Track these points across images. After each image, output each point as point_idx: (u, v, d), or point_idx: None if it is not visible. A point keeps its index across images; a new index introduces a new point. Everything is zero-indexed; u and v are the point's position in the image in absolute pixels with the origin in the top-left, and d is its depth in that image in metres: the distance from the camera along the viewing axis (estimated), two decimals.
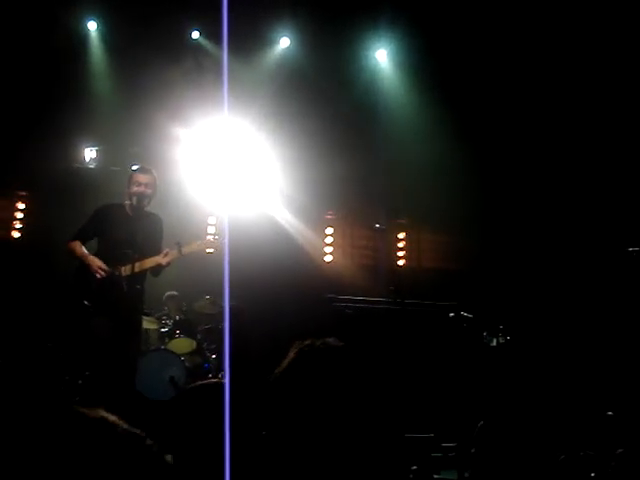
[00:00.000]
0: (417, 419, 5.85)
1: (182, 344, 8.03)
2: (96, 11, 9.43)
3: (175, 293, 8.29)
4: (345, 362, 1.75)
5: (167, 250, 5.87)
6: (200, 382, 2.34)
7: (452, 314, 6.62)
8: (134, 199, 5.85)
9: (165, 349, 7.79)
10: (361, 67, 9.83)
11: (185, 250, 5.91)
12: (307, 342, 1.80)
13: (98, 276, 5.76)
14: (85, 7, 9.37)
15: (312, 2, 9.35)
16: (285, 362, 1.78)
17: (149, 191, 5.88)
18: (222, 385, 2.15)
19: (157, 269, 5.91)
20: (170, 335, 8.11)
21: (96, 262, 5.79)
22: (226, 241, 5.86)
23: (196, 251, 6.01)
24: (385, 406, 1.78)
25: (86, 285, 5.81)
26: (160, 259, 5.82)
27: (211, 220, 9.43)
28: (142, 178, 5.90)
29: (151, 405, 7.19)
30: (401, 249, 10.06)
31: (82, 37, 9.53)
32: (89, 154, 9.18)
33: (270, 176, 9.10)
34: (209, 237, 6.81)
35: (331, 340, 1.82)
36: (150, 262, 5.83)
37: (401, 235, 10.07)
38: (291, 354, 1.79)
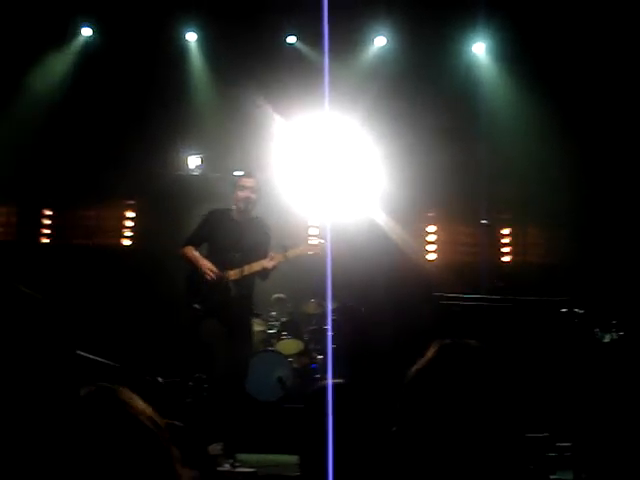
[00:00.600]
0: (531, 418, 5.72)
1: (289, 345, 8.14)
2: (195, 22, 9.67)
3: (282, 296, 8.41)
4: (486, 362, 1.74)
5: (272, 254, 5.94)
6: (325, 382, 2.35)
7: (564, 310, 6.44)
8: (240, 204, 5.96)
9: (273, 350, 7.91)
10: (459, 62, 9.69)
11: (290, 254, 5.96)
12: (448, 341, 1.80)
13: (207, 277, 5.89)
14: (184, 19, 9.62)
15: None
16: (424, 360, 1.77)
17: (254, 195, 5.98)
18: (349, 385, 2.15)
19: (264, 273, 5.99)
20: (277, 336, 8.24)
21: (206, 264, 5.93)
22: (328, 244, 5.88)
23: (301, 255, 6.04)
24: (515, 406, 1.76)
25: (196, 289, 5.96)
26: (266, 263, 5.89)
27: (313, 223, 9.51)
28: (247, 182, 6.00)
29: (260, 406, 7.32)
30: (506, 244, 9.87)
31: (182, 48, 9.79)
32: (193, 161, 9.41)
33: (370, 175, 9.09)
34: (312, 240, 6.86)
35: (471, 342, 1.82)
36: (256, 266, 5.91)
37: (505, 231, 9.87)
38: (430, 352, 1.79)
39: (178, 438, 1.25)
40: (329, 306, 6.70)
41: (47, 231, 10.10)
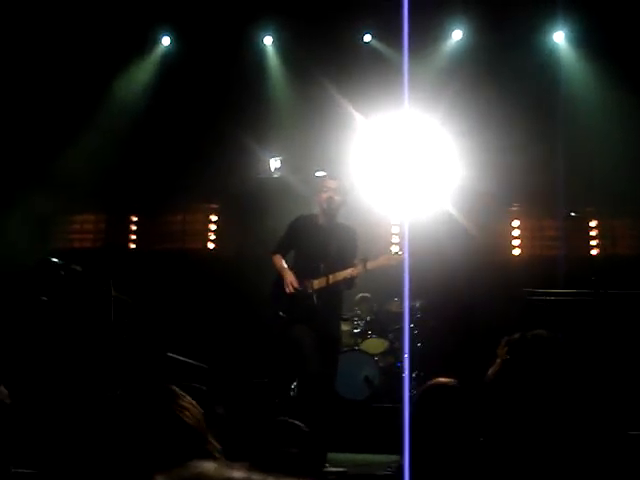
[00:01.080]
0: (629, 415, 5.55)
1: (375, 344, 8.13)
2: (271, 26, 9.77)
3: (367, 295, 8.40)
4: (560, 352, 1.67)
5: (355, 263, 5.89)
6: (434, 382, 2.33)
7: None
8: (324, 205, 5.94)
9: (359, 349, 7.92)
10: (539, 52, 9.48)
11: (370, 265, 5.86)
12: (516, 336, 1.74)
13: (287, 291, 5.91)
14: (260, 24, 9.73)
15: None
16: (498, 361, 1.73)
17: (338, 197, 5.94)
18: (457, 387, 2.13)
19: (349, 283, 5.96)
20: (362, 336, 8.24)
21: (288, 277, 5.94)
22: (406, 249, 5.81)
23: (381, 266, 5.92)
24: (605, 402, 1.69)
25: (282, 297, 5.98)
26: (348, 273, 5.85)
27: (394, 230, 9.47)
28: (330, 184, 5.98)
29: (347, 405, 7.33)
30: (594, 237, 9.60)
31: (259, 52, 9.90)
32: (273, 164, 9.49)
33: (450, 172, 8.99)
34: (393, 250, 6.72)
35: (542, 331, 1.75)
36: (340, 275, 5.87)
37: (592, 223, 9.60)
38: (501, 351, 1.74)
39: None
40: (406, 308, 6.60)
41: (134, 237, 10.36)
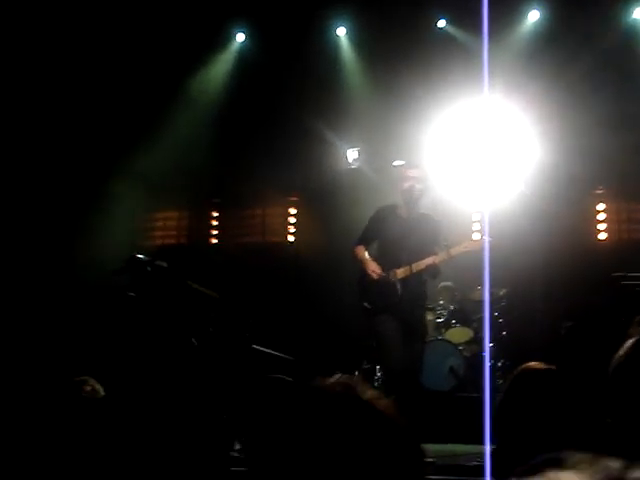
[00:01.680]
0: None
1: (459, 333, 8.05)
2: (343, 16, 9.74)
3: (449, 284, 8.31)
4: None
5: (438, 251, 5.85)
6: (525, 367, 2.27)
7: None
8: (406, 195, 5.91)
9: (443, 339, 7.85)
10: (620, 31, 9.15)
11: (453, 252, 5.81)
12: None
13: (372, 278, 5.90)
14: (333, 14, 9.72)
15: None
16: (631, 342, 1.66)
17: (419, 185, 5.90)
18: (552, 370, 2.07)
19: (432, 271, 5.91)
20: (446, 325, 8.16)
21: (371, 265, 5.94)
22: (487, 236, 5.70)
23: (464, 252, 5.87)
24: None
25: (366, 288, 5.98)
26: (430, 261, 5.81)
27: (475, 217, 9.32)
28: (410, 172, 5.94)
29: (432, 396, 7.27)
30: None
31: (333, 43, 9.89)
32: (351, 155, 9.48)
33: (532, 156, 8.77)
34: (476, 235, 6.61)
35: None
36: (423, 264, 5.83)
37: None
38: (635, 330, 1.68)
39: None
40: (486, 296, 6.50)
41: (215, 232, 10.52)
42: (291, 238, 10.29)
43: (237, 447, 5.42)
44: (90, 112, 9.34)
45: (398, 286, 5.84)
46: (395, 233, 5.89)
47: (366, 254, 6.08)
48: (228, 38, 10.04)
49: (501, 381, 7.65)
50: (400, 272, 5.85)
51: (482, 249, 5.68)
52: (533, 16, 9.42)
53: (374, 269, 5.90)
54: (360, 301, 6.03)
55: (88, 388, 2.49)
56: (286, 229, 10.27)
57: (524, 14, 9.43)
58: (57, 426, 1.51)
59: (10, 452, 1.45)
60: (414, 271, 5.82)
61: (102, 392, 2.59)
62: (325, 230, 9.57)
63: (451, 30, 9.60)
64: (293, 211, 10.31)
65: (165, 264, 6.43)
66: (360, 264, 6.06)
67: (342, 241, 7.49)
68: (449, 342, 7.81)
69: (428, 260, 5.82)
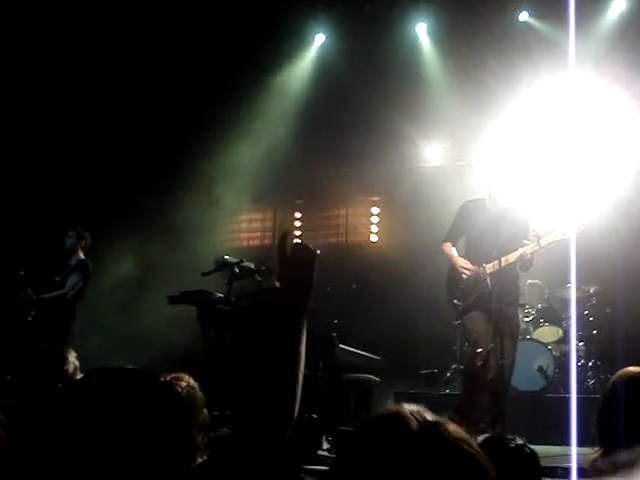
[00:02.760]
0: None
1: (547, 332, 7.88)
2: (423, 13, 9.68)
3: (537, 282, 8.14)
4: None
5: (526, 242, 5.70)
6: (628, 372, 2.22)
7: None
8: (491, 189, 5.82)
9: (531, 339, 7.70)
10: None
11: (544, 242, 5.65)
12: None
13: (464, 276, 5.83)
14: (413, 12, 9.66)
15: None
16: None
17: (504, 180, 5.81)
18: None
19: (525, 263, 5.76)
20: (534, 324, 8.01)
21: (460, 262, 5.89)
22: (577, 224, 5.56)
23: (555, 241, 5.70)
24: None
25: (455, 285, 5.92)
26: (521, 252, 5.67)
27: (565, 208, 9.07)
28: (495, 167, 5.87)
29: (521, 396, 7.14)
30: None
31: (414, 41, 9.83)
32: (435, 152, 9.41)
33: (626, 148, 8.47)
34: (566, 224, 6.36)
35: None
36: (512, 257, 5.69)
37: None
38: None
39: None
40: (572, 293, 6.32)
41: (299, 232, 10.61)
42: (374, 238, 10.29)
43: (325, 446, 5.46)
44: (178, 116, 9.57)
45: (488, 281, 5.73)
46: (483, 227, 5.78)
47: (454, 250, 6.02)
48: (308, 39, 10.10)
49: (592, 382, 7.47)
50: (490, 267, 5.74)
51: (572, 239, 5.53)
52: (618, 6, 9.12)
53: (464, 265, 5.85)
54: (449, 298, 5.97)
55: (183, 384, 2.53)
56: (369, 229, 10.27)
57: (608, 3, 9.14)
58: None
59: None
60: (503, 264, 5.68)
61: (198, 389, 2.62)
62: (408, 229, 9.53)
63: (534, 23, 9.40)
64: (376, 210, 10.31)
65: (252, 265, 6.54)
66: (449, 261, 6.01)
67: (426, 240, 7.45)
68: (538, 341, 7.66)
69: (518, 252, 5.68)
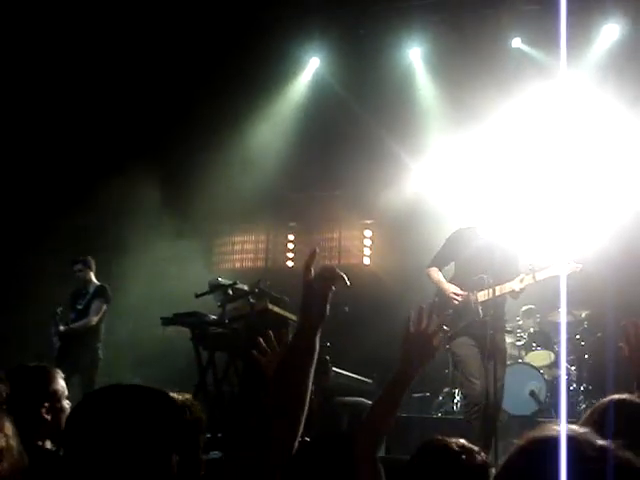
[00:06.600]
0: None
1: (540, 356, 7.90)
2: (417, 38, 9.77)
3: (532, 307, 8.13)
4: None
5: (523, 276, 5.66)
6: (612, 399, 2.22)
7: None
8: (484, 216, 5.83)
9: (523, 362, 7.72)
10: None
11: (539, 276, 5.61)
12: None
13: (455, 302, 5.77)
14: (407, 37, 9.75)
15: None
16: None
17: (498, 207, 5.81)
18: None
19: (516, 294, 5.75)
20: (527, 348, 8.02)
21: (451, 288, 5.81)
22: (574, 263, 5.52)
23: (551, 276, 5.63)
24: None
25: (443, 311, 5.88)
26: (515, 285, 5.65)
27: (562, 238, 9.08)
28: (489, 194, 5.90)
29: (513, 420, 7.13)
30: None
31: (407, 66, 9.92)
32: (428, 176, 9.46)
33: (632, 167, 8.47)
34: (563, 259, 6.28)
35: None
36: (505, 288, 5.66)
37: None
38: None
39: None
40: (562, 318, 6.28)
41: (291, 255, 10.63)
42: (366, 260, 10.31)
43: None
44: (173, 139, 9.61)
45: (479, 309, 5.69)
46: (476, 254, 5.73)
47: (441, 277, 5.96)
48: (303, 62, 10.18)
49: (584, 406, 7.47)
50: (482, 295, 5.70)
51: (571, 275, 5.49)
52: (610, 31, 9.20)
53: (454, 291, 5.77)
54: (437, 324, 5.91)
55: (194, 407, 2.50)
56: (362, 252, 10.30)
57: (599, 30, 9.23)
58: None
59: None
60: (497, 294, 5.64)
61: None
62: (401, 252, 9.54)
63: (526, 49, 9.50)
64: (369, 233, 10.35)
65: (246, 287, 6.55)
66: (436, 286, 5.95)
67: (418, 263, 7.43)
68: (530, 365, 7.67)
69: (513, 284, 5.65)
